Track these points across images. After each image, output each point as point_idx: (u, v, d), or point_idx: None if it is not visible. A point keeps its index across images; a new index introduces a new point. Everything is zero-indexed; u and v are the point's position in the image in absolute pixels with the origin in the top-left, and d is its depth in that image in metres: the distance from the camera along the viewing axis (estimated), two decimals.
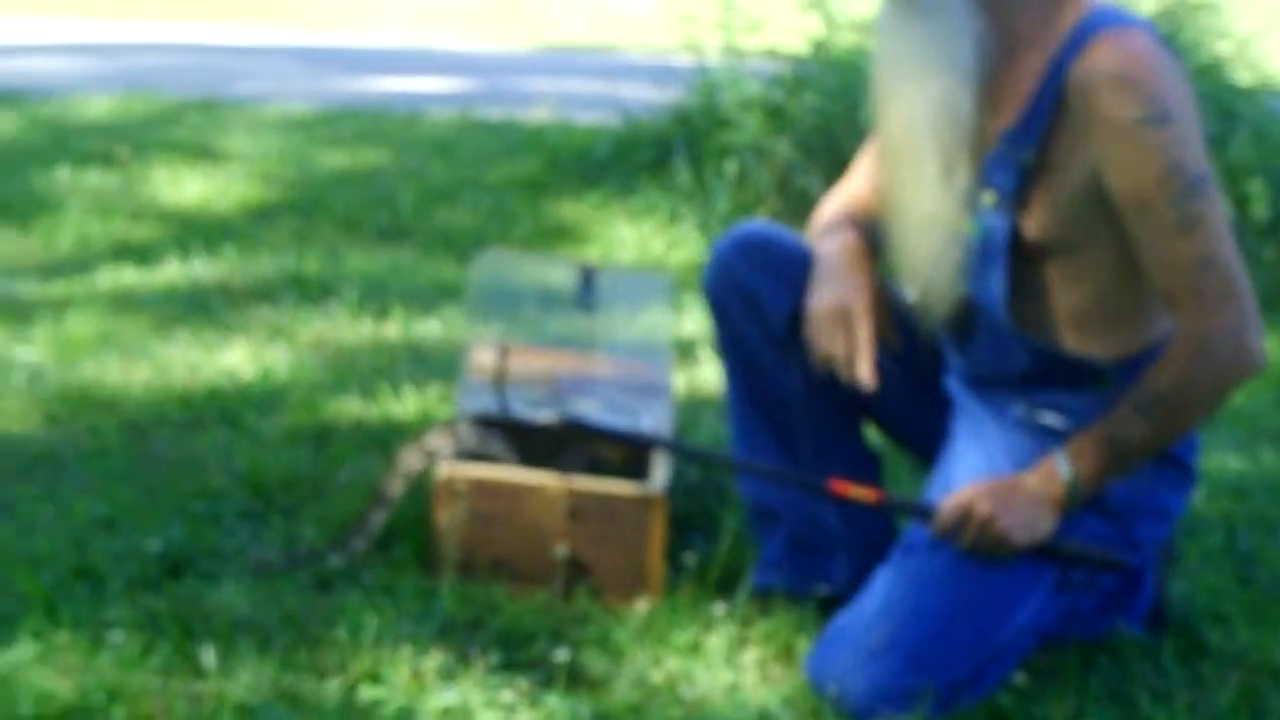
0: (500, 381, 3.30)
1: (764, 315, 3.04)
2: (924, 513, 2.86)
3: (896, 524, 3.18)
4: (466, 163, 7.36)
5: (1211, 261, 2.69)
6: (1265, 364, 2.76)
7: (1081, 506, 2.82)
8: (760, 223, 3.16)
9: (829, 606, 3.04)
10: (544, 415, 3.18)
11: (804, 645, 2.92)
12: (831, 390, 3.07)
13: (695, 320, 5.02)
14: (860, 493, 2.99)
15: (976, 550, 2.79)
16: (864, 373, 2.91)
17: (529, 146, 7.58)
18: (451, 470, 3.10)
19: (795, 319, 3.01)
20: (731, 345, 3.11)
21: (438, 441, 3.21)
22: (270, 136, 7.89)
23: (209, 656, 2.72)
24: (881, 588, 2.83)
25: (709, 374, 4.52)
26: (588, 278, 3.58)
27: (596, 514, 3.07)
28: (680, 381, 4.39)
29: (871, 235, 3.00)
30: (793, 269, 3.02)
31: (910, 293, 2.93)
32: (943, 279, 2.86)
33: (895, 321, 3.03)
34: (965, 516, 2.79)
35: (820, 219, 3.09)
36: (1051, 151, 2.76)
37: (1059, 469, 2.78)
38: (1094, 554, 2.84)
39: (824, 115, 6.32)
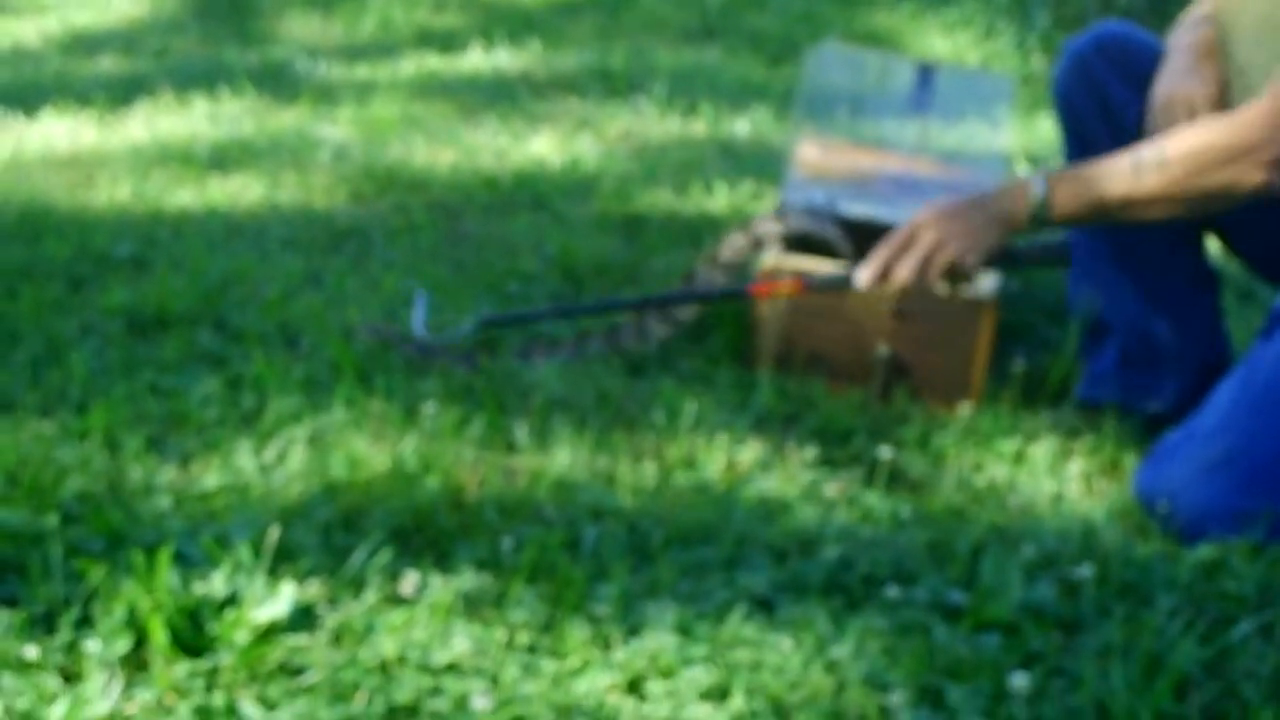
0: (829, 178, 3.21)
1: (1115, 117, 2.91)
2: (846, 280, 2.78)
3: (1234, 344, 3.06)
4: None
5: None
6: (1266, 196, 2.61)
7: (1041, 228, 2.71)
8: (1120, 23, 3.02)
9: (1156, 425, 2.93)
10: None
11: (1130, 461, 2.81)
12: None
13: (1014, 133, 4.86)
14: (781, 286, 2.91)
15: (927, 277, 2.68)
16: None
17: None
18: (776, 261, 3.02)
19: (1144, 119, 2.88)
20: (1078, 148, 2.99)
21: (766, 226, 3.11)
22: None
23: (523, 433, 2.67)
24: (1222, 402, 2.69)
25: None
26: (925, 76, 3.46)
27: (923, 315, 2.97)
28: None
29: None
30: (1149, 72, 2.89)
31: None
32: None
33: None
34: (909, 244, 2.68)
35: (1182, 20, 2.95)
36: None
37: (1032, 188, 2.66)
38: (1045, 253, 2.71)
39: None
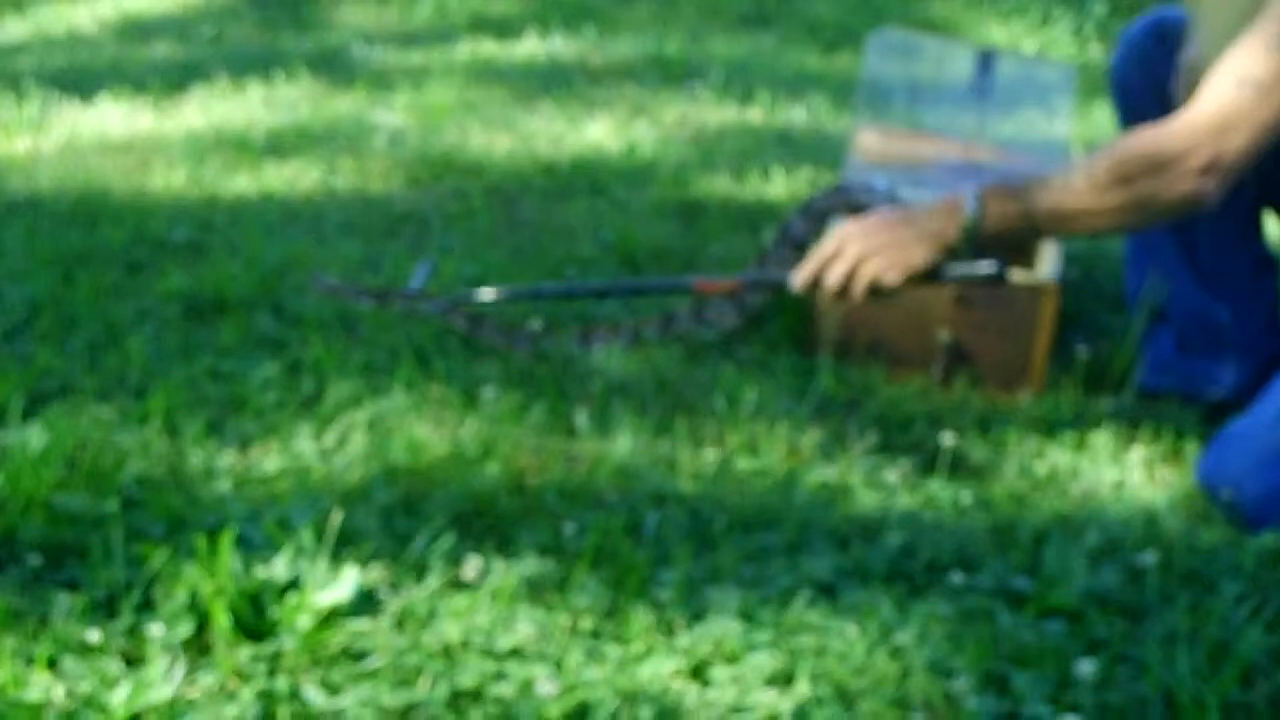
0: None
1: (1171, 103, 2.89)
2: (782, 283, 2.74)
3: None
4: None
5: (1255, 86, 2.48)
6: (1202, 207, 2.55)
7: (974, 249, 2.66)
8: (1176, 8, 3.00)
9: (1217, 412, 2.91)
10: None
11: (1192, 448, 2.79)
12: (1236, 187, 2.91)
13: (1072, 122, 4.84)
14: (722, 285, 2.88)
15: (851, 291, 2.65)
16: None
17: None
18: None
19: None
20: None
21: (826, 203, 3.11)
22: None
23: (583, 418, 2.66)
24: None
25: None
26: (986, 62, 3.43)
27: (984, 300, 2.95)
28: None
29: None
30: None
31: None
32: None
33: None
34: (835, 256, 2.64)
35: None
36: None
37: (964, 205, 2.61)
38: (978, 272, 2.68)
39: None
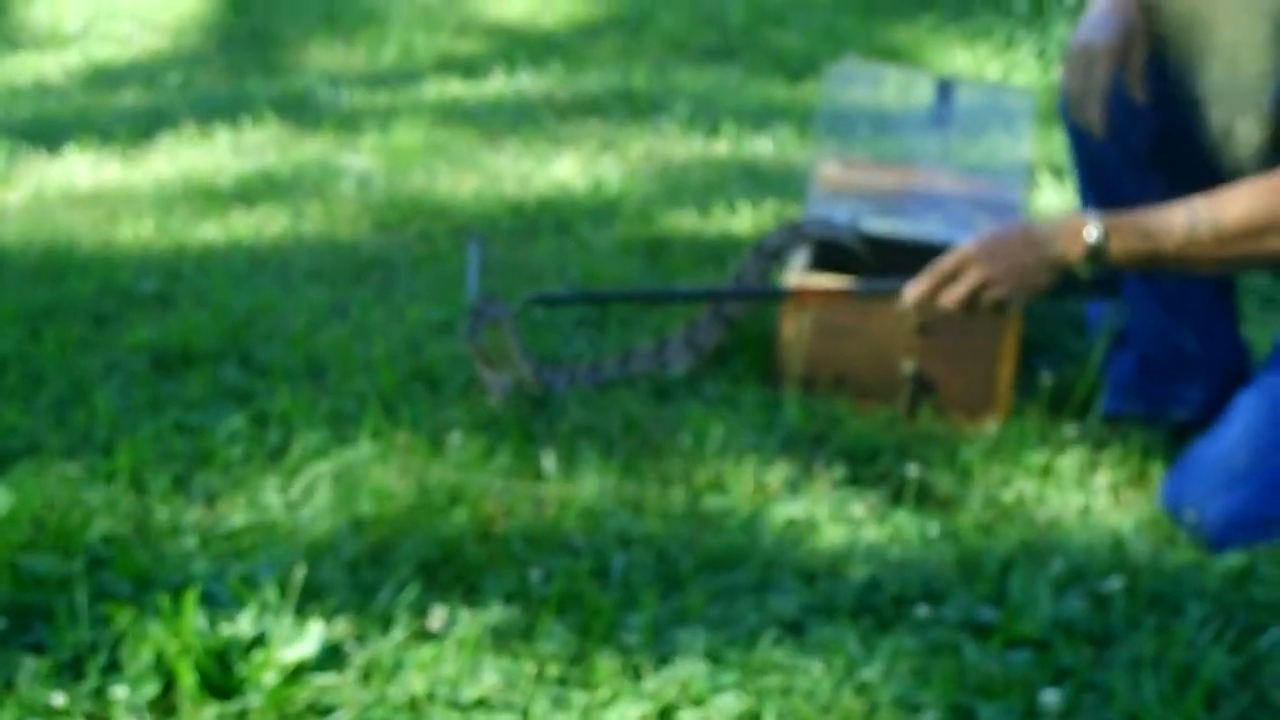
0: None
1: (1123, 133, 2.90)
2: (894, 293, 2.73)
3: (1254, 348, 3.05)
4: None
5: None
6: None
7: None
8: None
9: (1182, 433, 2.92)
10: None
11: (1157, 471, 2.80)
12: None
13: (1035, 145, 4.85)
14: (828, 284, 2.89)
15: (967, 306, 2.65)
16: (1091, 114, 2.81)
17: None
18: (801, 280, 3.01)
19: (1158, 137, 2.86)
20: (1088, 164, 2.99)
21: (781, 239, 3.13)
22: None
23: (550, 461, 2.67)
24: (1244, 411, 2.68)
25: (1050, 199, 4.36)
26: (945, 91, 3.45)
27: (947, 330, 2.96)
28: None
29: None
30: None
31: None
32: None
33: (1148, 71, 2.86)
34: (958, 273, 2.64)
35: None
36: None
37: (1088, 231, 2.58)
38: (1093, 287, 2.69)
39: None
